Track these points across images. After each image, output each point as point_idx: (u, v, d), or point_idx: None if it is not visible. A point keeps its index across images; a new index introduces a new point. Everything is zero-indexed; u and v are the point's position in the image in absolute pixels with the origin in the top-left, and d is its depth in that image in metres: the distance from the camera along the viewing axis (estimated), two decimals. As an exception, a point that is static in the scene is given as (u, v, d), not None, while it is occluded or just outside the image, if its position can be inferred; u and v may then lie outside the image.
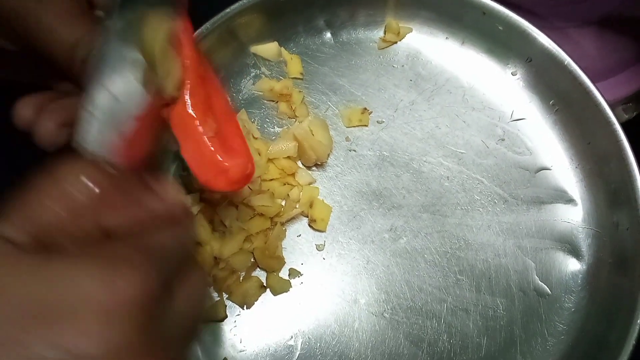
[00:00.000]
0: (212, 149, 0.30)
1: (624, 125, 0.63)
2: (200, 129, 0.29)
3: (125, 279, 0.20)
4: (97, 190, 0.21)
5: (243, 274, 0.39)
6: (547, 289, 0.40)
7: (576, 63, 0.43)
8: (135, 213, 0.23)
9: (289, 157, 0.41)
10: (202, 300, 0.26)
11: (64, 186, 0.21)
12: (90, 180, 0.21)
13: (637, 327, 0.36)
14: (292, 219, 0.41)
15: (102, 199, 0.21)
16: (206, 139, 0.30)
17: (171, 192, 0.24)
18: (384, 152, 0.43)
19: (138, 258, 0.21)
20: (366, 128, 0.43)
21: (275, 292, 0.39)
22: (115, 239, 0.22)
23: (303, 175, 0.41)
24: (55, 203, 0.21)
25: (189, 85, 0.29)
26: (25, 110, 0.35)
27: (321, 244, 0.40)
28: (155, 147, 0.29)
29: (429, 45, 0.45)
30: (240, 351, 0.37)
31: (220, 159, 0.30)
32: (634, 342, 0.36)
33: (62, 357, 0.18)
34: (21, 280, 0.19)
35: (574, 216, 0.42)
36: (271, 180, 0.41)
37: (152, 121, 0.28)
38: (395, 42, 0.45)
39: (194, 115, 0.29)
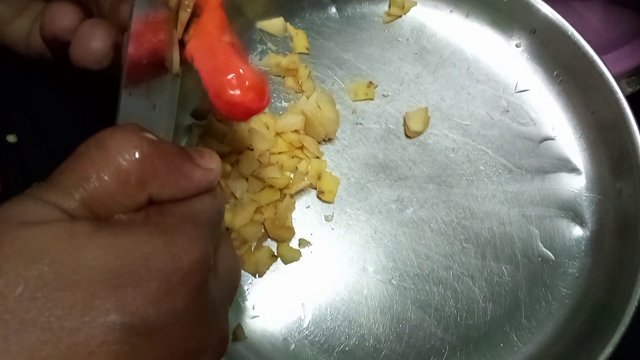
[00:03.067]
0: (233, 60, 0.29)
1: (627, 99, 0.63)
2: (221, 45, 0.29)
3: (182, 248, 0.21)
4: (144, 159, 0.21)
5: (254, 244, 0.40)
6: (551, 255, 0.41)
7: (581, 35, 0.43)
8: (180, 181, 0.23)
9: (296, 131, 0.42)
10: (236, 264, 0.26)
11: (113, 155, 0.21)
12: (138, 149, 0.21)
13: (639, 291, 0.37)
14: (301, 191, 0.42)
15: (149, 167, 0.21)
16: (227, 50, 0.29)
17: (210, 160, 0.25)
18: (390, 125, 0.44)
19: (190, 227, 0.22)
20: (372, 102, 0.44)
21: (285, 261, 0.40)
22: (163, 207, 0.22)
23: (312, 148, 0.42)
24: (106, 172, 0.21)
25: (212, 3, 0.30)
26: (67, 17, 0.31)
27: (330, 215, 0.41)
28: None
29: (434, 19, 0.46)
30: (253, 317, 0.39)
31: (241, 69, 0.29)
32: (635, 305, 0.37)
33: (130, 321, 0.19)
34: (85, 249, 0.19)
35: (577, 184, 0.42)
36: (280, 153, 0.41)
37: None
38: (400, 16, 0.46)
39: (215, 31, 0.30)
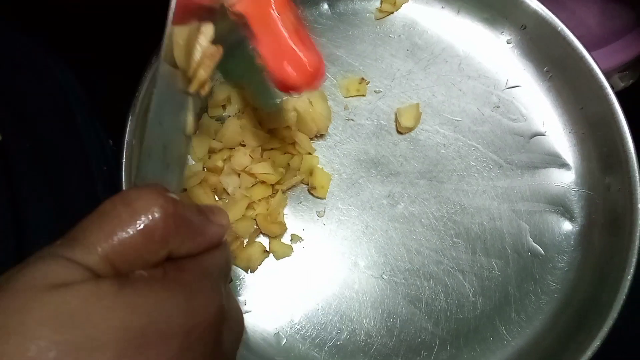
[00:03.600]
0: (292, 43, 0.32)
1: (620, 94, 0.64)
2: (281, 24, 0.31)
3: (200, 303, 0.22)
4: (168, 217, 0.22)
5: (246, 239, 0.40)
6: (541, 249, 0.41)
7: (572, 31, 0.43)
8: (197, 237, 0.24)
9: (288, 127, 0.42)
10: (240, 314, 0.27)
11: (141, 213, 0.22)
12: (163, 208, 0.22)
13: (627, 285, 0.37)
14: (293, 187, 0.42)
15: (172, 225, 0.22)
16: (286, 33, 0.31)
17: (221, 216, 0.26)
18: (382, 121, 0.44)
19: (206, 282, 0.23)
20: (364, 98, 0.44)
21: (277, 257, 0.40)
22: (179, 263, 0.23)
23: (304, 145, 0.42)
24: (133, 229, 0.22)
25: None
26: None
27: (321, 211, 0.42)
28: None
29: (425, 15, 0.46)
30: (246, 312, 0.39)
31: (300, 52, 0.32)
32: (624, 299, 0.37)
33: None
34: (112, 309, 0.20)
35: (567, 179, 0.43)
36: (272, 149, 0.42)
37: None
38: (392, 12, 0.46)
39: (276, 11, 0.31)
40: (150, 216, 0.22)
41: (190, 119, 0.31)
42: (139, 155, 0.27)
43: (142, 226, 0.22)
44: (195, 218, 0.24)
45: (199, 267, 0.24)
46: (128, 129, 0.39)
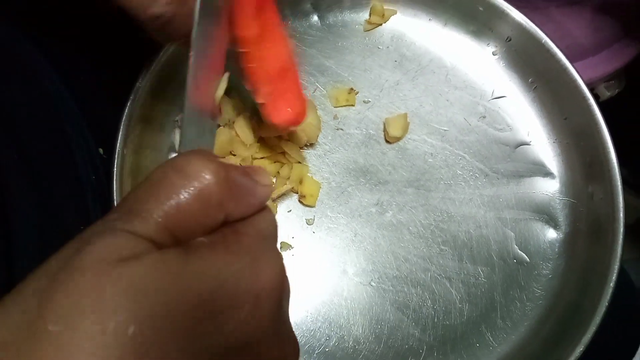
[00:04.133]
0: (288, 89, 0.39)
1: (606, 103, 0.65)
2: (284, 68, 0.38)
3: (264, 266, 0.22)
4: (221, 181, 0.22)
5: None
6: (526, 257, 0.42)
7: (557, 42, 0.44)
8: (249, 199, 0.24)
9: (279, 136, 0.43)
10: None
11: (194, 179, 0.21)
12: (215, 172, 0.22)
13: (610, 292, 0.38)
14: (283, 195, 0.43)
15: (226, 188, 0.22)
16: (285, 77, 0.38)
17: (264, 177, 0.25)
18: (370, 131, 0.45)
19: (265, 244, 0.23)
20: (353, 108, 0.45)
21: (267, 264, 0.41)
22: (235, 227, 0.23)
23: (293, 154, 0.43)
24: (189, 195, 0.21)
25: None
26: None
27: (311, 219, 0.42)
28: None
29: (413, 27, 0.47)
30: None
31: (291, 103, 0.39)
32: (606, 305, 0.38)
33: (228, 343, 0.20)
34: (182, 278, 0.19)
35: (551, 188, 0.44)
36: (262, 158, 0.42)
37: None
38: (380, 24, 0.47)
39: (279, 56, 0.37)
40: (204, 180, 0.21)
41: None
42: (182, 123, 0.27)
43: (197, 191, 0.21)
44: (244, 180, 0.24)
45: (255, 229, 0.23)
46: (119, 138, 0.39)
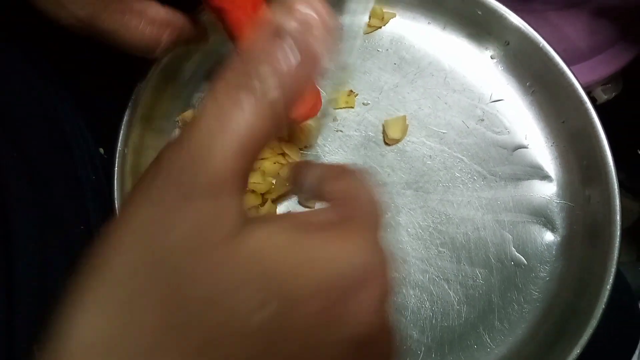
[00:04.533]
0: None
1: (602, 106, 0.65)
2: None
3: (386, 251, 0.21)
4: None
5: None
6: (524, 259, 0.42)
7: (555, 46, 0.45)
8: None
9: (279, 138, 0.43)
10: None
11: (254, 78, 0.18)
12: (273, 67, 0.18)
13: (607, 294, 0.39)
14: (283, 197, 0.43)
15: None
16: None
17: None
18: (370, 133, 0.45)
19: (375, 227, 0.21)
20: (352, 110, 0.45)
21: (266, 265, 0.41)
22: (346, 202, 0.21)
23: (293, 155, 0.43)
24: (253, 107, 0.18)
25: None
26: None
27: (310, 220, 0.42)
28: None
29: (412, 30, 0.47)
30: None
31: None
32: (603, 308, 0.38)
33: (360, 332, 0.19)
34: (312, 254, 0.18)
35: (548, 191, 0.44)
36: (262, 159, 0.43)
37: None
38: (380, 27, 0.47)
39: None
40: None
41: None
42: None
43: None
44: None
45: (362, 211, 0.21)
46: (120, 137, 0.39)
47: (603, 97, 0.68)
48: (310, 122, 0.43)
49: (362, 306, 0.18)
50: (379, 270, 0.20)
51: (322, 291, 0.18)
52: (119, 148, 0.39)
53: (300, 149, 0.44)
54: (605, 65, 0.65)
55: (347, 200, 0.21)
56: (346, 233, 0.19)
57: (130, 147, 0.40)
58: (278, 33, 0.18)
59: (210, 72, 0.45)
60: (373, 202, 0.22)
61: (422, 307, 0.41)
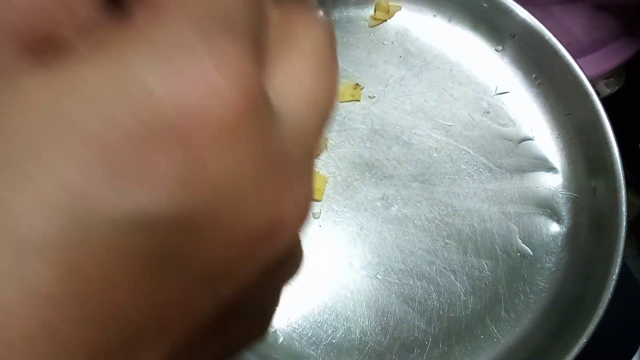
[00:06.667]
0: None
1: (606, 100, 0.65)
2: None
3: (199, 84, 0.11)
4: None
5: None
6: (530, 250, 0.43)
7: (558, 39, 0.45)
8: None
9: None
10: (327, 66, 0.14)
11: None
12: None
13: (612, 284, 0.39)
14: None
15: None
16: None
17: None
18: (376, 126, 0.45)
19: (206, 39, 0.10)
20: (358, 103, 0.46)
21: (274, 257, 0.41)
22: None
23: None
24: None
25: None
26: None
27: (317, 212, 0.43)
28: None
29: (418, 23, 0.47)
30: (243, 312, 0.40)
31: None
32: (609, 298, 0.39)
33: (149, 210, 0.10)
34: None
35: (554, 183, 0.44)
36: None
37: None
38: (385, 20, 0.47)
39: None
40: None
41: None
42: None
43: None
44: None
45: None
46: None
47: (606, 90, 0.68)
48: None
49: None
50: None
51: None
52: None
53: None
54: (608, 59, 0.65)
55: None
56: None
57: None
58: None
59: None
60: None
61: (429, 298, 0.41)
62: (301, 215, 0.14)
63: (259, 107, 0.11)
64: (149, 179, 0.10)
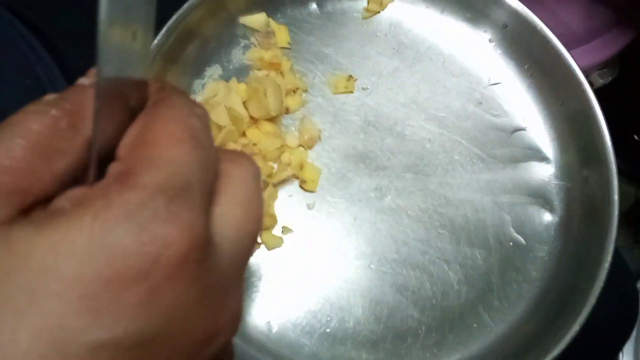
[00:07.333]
0: None
1: (599, 90, 0.66)
2: None
3: (155, 235, 0.15)
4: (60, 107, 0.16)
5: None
6: (522, 240, 0.43)
7: (552, 30, 0.45)
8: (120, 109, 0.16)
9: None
10: (250, 209, 0.18)
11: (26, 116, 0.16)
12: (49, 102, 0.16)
13: (605, 272, 0.39)
14: (284, 181, 0.43)
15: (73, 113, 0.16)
16: None
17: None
18: (369, 117, 0.45)
19: (161, 203, 0.15)
20: (352, 94, 0.46)
21: (269, 247, 0.41)
22: (127, 175, 0.15)
23: (292, 139, 0.44)
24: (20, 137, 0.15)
25: None
26: None
27: (312, 203, 0.43)
28: None
29: (410, 15, 0.47)
30: (238, 302, 0.40)
31: None
32: (601, 286, 0.39)
33: (111, 337, 0.14)
34: (30, 259, 0.14)
35: (547, 172, 0.45)
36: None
37: None
38: (378, 12, 0.47)
39: None
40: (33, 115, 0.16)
41: None
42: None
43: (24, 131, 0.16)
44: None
45: (155, 178, 0.15)
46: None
47: (599, 81, 0.69)
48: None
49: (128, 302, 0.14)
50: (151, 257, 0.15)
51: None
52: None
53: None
54: (601, 50, 0.65)
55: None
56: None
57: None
58: None
59: (212, 57, 0.45)
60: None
61: (423, 287, 0.41)
62: (235, 324, 0.18)
63: (202, 250, 0.15)
64: (118, 312, 0.14)
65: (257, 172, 0.18)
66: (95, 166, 0.16)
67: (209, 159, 0.16)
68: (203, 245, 0.16)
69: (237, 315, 0.19)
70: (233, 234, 0.17)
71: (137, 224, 0.14)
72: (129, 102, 0.17)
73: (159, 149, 0.15)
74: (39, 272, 0.14)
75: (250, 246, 0.18)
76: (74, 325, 0.14)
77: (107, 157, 0.16)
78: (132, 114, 0.17)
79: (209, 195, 0.17)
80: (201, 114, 0.17)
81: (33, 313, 0.14)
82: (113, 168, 0.16)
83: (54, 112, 0.16)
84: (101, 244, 0.14)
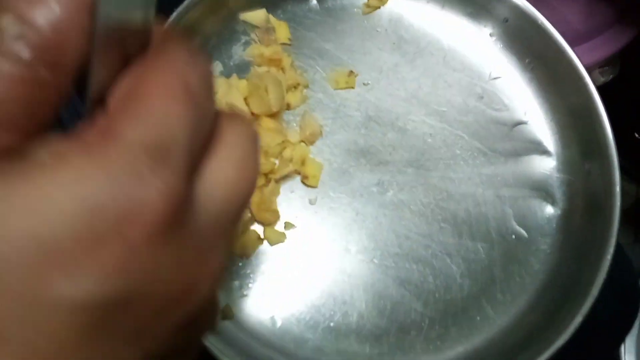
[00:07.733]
0: None
1: (600, 88, 0.66)
2: None
3: (132, 194, 0.14)
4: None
5: (241, 228, 0.41)
6: (525, 233, 0.43)
7: (553, 26, 0.45)
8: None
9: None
10: (243, 173, 0.17)
11: None
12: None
13: (607, 264, 0.39)
14: (286, 177, 0.43)
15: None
16: None
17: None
18: (370, 112, 0.45)
19: (146, 166, 0.14)
20: (353, 90, 0.46)
21: (272, 243, 0.42)
22: (111, 126, 0.14)
23: (294, 135, 0.44)
24: None
25: None
26: None
27: (313, 199, 0.43)
28: None
29: (411, 10, 0.48)
30: (241, 297, 0.40)
31: None
32: (603, 278, 0.39)
33: (86, 296, 0.14)
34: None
35: (548, 166, 0.45)
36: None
37: None
38: (379, 7, 0.47)
39: None
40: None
41: None
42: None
43: None
44: None
45: (141, 137, 0.14)
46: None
47: (600, 79, 0.69)
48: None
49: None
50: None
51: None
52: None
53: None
54: (602, 48, 0.65)
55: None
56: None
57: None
58: None
59: (213, 54, 0.46)
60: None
61: (425, 281, 0.41)
62: (214, 282, 0.18)
63: (183, 211, 0.15)
64: (93, 270, 0.13)
65: (253, 134, 0.18)
66: (87, 116, 0.15)
67: (203, 118, 0.16)
68: (184, 207, 0.15)
69: (217, 273, 0.18)
70: (221, 194, 0.17)
71: (118, 183, 0.14)
72: (128, 49, 0.15)
73: (149, 105, 0.14)
74: (10, 228, 0.13)
75: (240, 207, 0.17)
76: (46, 283, 0.13)
77: (98, 100, 0.15)
78: (130, 61, 0.16)
79: (198, 155, 0.16)
80: (202, 70, 0.16)
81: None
82: (100, 120, 0.14)
83: (26, 54, 0.14)
84: (79, 202, 0.13)
